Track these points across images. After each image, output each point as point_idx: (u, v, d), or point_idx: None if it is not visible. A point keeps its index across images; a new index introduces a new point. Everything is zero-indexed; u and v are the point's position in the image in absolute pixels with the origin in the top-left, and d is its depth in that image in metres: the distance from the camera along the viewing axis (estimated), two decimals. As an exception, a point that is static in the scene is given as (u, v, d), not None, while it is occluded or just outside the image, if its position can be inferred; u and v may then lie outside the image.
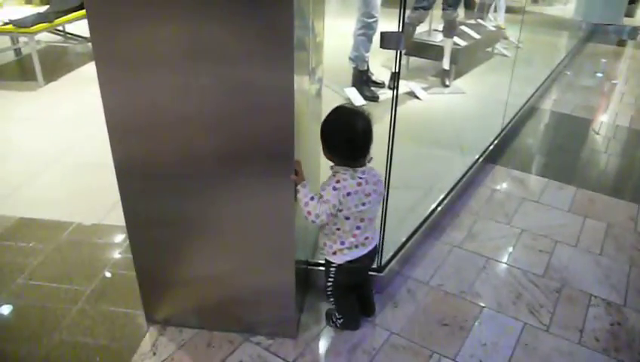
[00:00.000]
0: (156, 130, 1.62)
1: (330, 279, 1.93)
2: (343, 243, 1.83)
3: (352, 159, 1.74)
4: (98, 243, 2.50)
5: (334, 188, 1.71)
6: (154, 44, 1.49)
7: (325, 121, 1.75)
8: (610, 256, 2.56)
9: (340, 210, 1.74)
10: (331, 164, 1.78)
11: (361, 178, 1.74)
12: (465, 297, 2.24)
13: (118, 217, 1.80)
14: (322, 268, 2.01)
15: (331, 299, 1.99)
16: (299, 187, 1.69)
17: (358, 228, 1.81)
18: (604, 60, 6.40)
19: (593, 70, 5.97)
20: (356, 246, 1.84)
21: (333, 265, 1.88)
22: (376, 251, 1.95)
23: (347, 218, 1.77)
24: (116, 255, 2.42)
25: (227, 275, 1.88)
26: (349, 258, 1.85)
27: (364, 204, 1.76)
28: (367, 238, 1.85)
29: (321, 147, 1.79)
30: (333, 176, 1.76)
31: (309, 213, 1.70)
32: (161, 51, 1.50)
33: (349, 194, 1.72)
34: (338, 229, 1.80)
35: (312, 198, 1.70)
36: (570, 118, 4.42)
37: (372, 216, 1.84)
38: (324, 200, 1.71)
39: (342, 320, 2.01)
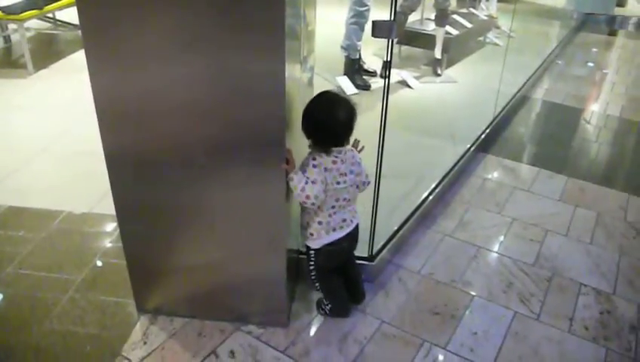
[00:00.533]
0: (146, 119, 1.60)
1: (310, 263, 1.94)
2: (320, 222, 1.83)
3: (328, 145, 1.75)
4: (88, 232, 2.48)
5: (314, 166, 1.73)
6: (144, 32, 1.48)
7: (308, 105, 1.75)
8: (601, 244, 2.58)
9: (326, 185, 1.75)
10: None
11: (336, 157, 1.76)
12: (456, 286, 2.25)
13: (108, 206, 1.78)
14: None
15: (316, 284, 2.00)
16: (292, 174, 1.68)
17: (332, 207, 1.81)
18: (595, 50, 6.41)
19: (584, 59, 5.98)
20: (334, 230, 1.85)
21: (312, 249, 1.90)
22: (357, 233, 1.95)
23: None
24: (107, 244, 2.40)
25: (218, 264, 1.88)
26: (325, 241, 1.86)
27: (338, 183, 1.77)
28: (344, 220, 1.86)
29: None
30: (309, 156, 1.76)
31: (307, 196, 1.70)
32: (151, 39, 1.48)
33: (325, 169, 1.74)
34: (317, 207, 1.80)
35: (306, 182, 1.71)
36: (562, 107, 4.43)
37: (348, 197, 1.83)
38: (312, 180, 1.71)
39: (330, 306, 2.01)
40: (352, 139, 1.84)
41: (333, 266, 1.98)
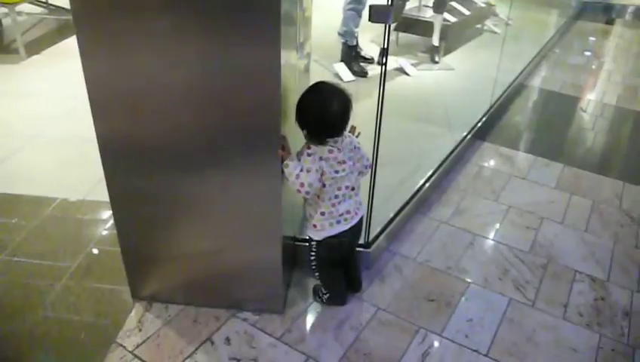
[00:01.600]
0: (140, 105, 1.58)
1: (312, 254, 1.93)
2: (323, 213, 1.81)
3: (322, 137, 1.72)
4: (83, 220, 2.46)
5: (309, 155, 1.71)
6: (136, 18, 1.45)
7: (301, 97, 1.71)
8: (596, 232, 2.58)
9: (322, 174, 1.73)
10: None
11: (332, 146, 1.73)
12: (451, 273, 2.25)
13: (103, 193, 1.76)
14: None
15: (316, 274, 1.99)
16: (287, 161, 1.66)
17: (336, 196, 1.79)
18: (592, 38, 6.39)
19: (582, 48, 5.96)
20: (337, 222, 1.83)
21: (314, 240, 1.88)
22: (360, 227, 1.94)
23: (324, 185, 1.75)
24: (101, 231, 2.39)
25: (213, 251, 1.87)
26: (328, 234, 1.84)
27: (337, 172, 1.75)
28: (348, 212, 1.84)
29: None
30: (304, 145, 1.74)
31: (301, 184, 1.68)
32: (144, 25, 1.46)
33: (321, 158, 1.71)
34: (318, 197, 1.79)
35: (301, 170, 1.68)
36: (559, 95, 4.42)
37: (350, 185, 1.81)
38: (307, 168, 1.69)
39: (328, 295, 2.01)
40: (348, 126, 1.82)
41: (335, 258, 1.97)
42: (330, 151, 1.73)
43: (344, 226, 1.85)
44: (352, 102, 1.73)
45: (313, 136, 1.73)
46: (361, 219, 1.91)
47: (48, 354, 1.81)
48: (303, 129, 1.74)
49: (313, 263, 1.95)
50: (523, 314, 2.06)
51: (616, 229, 2.62)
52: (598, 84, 4.84)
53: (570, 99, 4.35)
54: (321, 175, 1.73)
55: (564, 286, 2.23)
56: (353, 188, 1.83)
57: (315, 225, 1.84)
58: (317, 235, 1.86)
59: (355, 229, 1.90)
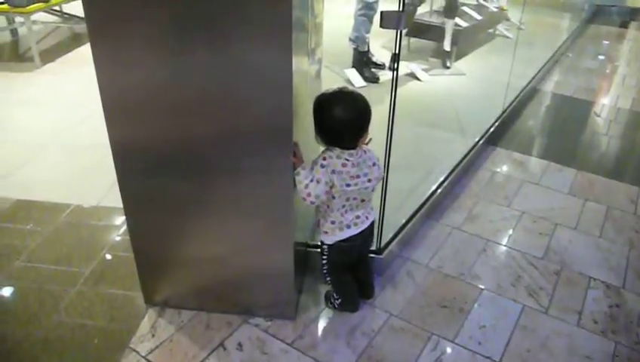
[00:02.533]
0: (153, 111, 1.60)
1: (323, 258, 1.93)
2: (333, 222, 1.82)
3: (340, 144, 1.72)
4: (97, 225, 2.49)
5: (322, 166, 1.71)
6: (149, 25, 1.47)
7: (319, 103, 1.71)
8: (610, 238, 2.55)
9: (332, 187, 1.73)
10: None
11: (347, 160, 1.72)
12: (464, 279, 2.24)
13: (116, 199, 1.78)
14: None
15: (328, 279, 1.99)
16: (299, 169, 1.67)
17: (343, 206, 1.79)
18: (606, 42, 6.34)
19: (595, 52, 5.91)
20: (348, 227, 1.83)
21: (325, 244, 1.89)
22: (371, 231, 1.94)
23: (333, 197, 1.75)
24: (115, 237, 2.41)
25: (226, 257, 1.88)
26: (339, 238, 1.85)
27: (348, 185, 1.73)
28: (358, 217, 1.84)
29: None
30: (321, 155, 1.74)
31: (308, 194, 1.69)
32: (156, 31, 1.47)
33: (333, 172, 1.71)
34: (328, 207, 1.80)
35: (311, 180, 1.69)
36: (572, 100, 4.39)
37: (359, 198, 1.80)
38: (317, 178, 1.69)
39: (340, 300, 2.00)
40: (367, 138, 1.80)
41: (346, 262, 1.97)
42: (344, 165, 1.72)
43: (354, 230, 1.85)
44: (367, 110, 1.71)
45: (326, 145, 1.74)
46: (372, 224, 1.91)
47: (62, 359, 1.83)
48: (318, 134, 1.74)
49: (325, 267, 1.95)
50: (536, 321, 2.04)
51: (631, 235, 2.59)
52: (611, 88, 4.79)
53: (583, 104, 4.32)
54: (331, 187, 1.73)
55: (579, 292, 2.20)
56: (363, 200, 1.83)
57: (326, 231, 1.86)
58: (328, 239, 1.87)
59: (366, 233, 1.90)
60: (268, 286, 1.93)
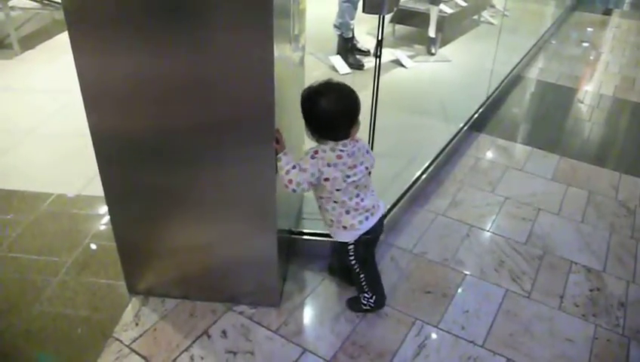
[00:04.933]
0: (133, 99, 1.58)
1: (351, 258, 1.87)
2: (348, 212, 1.76)
3: (334, 137, 1.69)
4: (78, 215, 2.46)
5: (312, 157, 1.68)
6: (129, 10, 1.44)
7: (309, 97, 1.67)
8: (592, 223, 2.59)
9: (327, 179, 1.69)
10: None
11: (342, 150, 1.68)
12: (448, 265, 2.26)
13: (99, 188, 1.76)
14: (308, 238, 2.01)
15: (361, 277, 1.91)
16: (280, 155, 1.65)
17: (357, 195, 1.76)
18: (590, 29, 6.37)
19: (579, 39, 5.95)
20: (366, 218, 1.79)
21: (350, 243, 1.84)
22: (384, 217, 1.92)
23: (338, 189, 1.71)
24: (98, 226, 2.39)
25: (209, 245, 1.87)
26: (362, 232, 1.80)
27: (348, 176, 1.71)
28: (373, 207, 1.81)
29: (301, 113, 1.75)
30: (313, 147, 1.71)
31: (290, 181, 1.67)
32: (136, 18, 1.45)
33: (329, 165, 1.68)
34: (336, 202, 1.75)
35: (293, 167, 1.67)
36: (555, 86, 4.42)
37: (365, 184, 1.78)
38: (303, 168, 1.67)
39: (374, 297, 1.95)
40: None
41: (372, 254, 1.94)
42: (339, 157, 1.68)
43: (373, 220, 1.81)
44: (356, 100, 1.68)
45: (316, 137, 1.70)
46: (383, 211, 1.88)
47: (45, 349, 1.81)
48: (309, 128, 1.70)
49: (356, 267, 1.89)
50: (519, 306, 2.07)
51: (612, 220, 2.62)
52: (595, 75, 4.83)
53: (567, 91, 4.35)
54: (325, 180, 1.69)
55: (560, 277, 2.23)
56: (366, 186, 1.79)
57: (345, 227, 1.79)
58: (351, 236, 1.81)
59: (382, 220, 1.88)
60: (252, 273, 1.93)
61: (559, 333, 1.96)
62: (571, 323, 2.00)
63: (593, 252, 2.38)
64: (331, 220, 1.80)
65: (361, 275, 1.91)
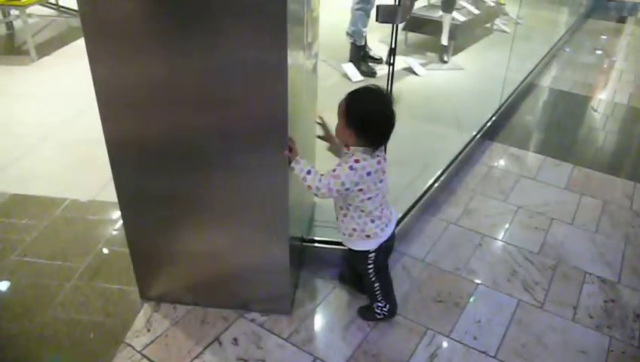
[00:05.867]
0: (147, 106, 1.59)
1: (370, 266, 1.86)
2: (373, 221, 1.75)
3: (379, 143, 1.66)
4: (92, 220, 2.48)
5: (351, 168, 1.61)
6: (144, 18, 1.46)
7: (358, 103, 1.63)
8: (606, 233, 2.56)
9: (361, 190, 1.66)
10: (346, 145, 1.69)
11: (378, 156, 1.67)
12: (460, 274, 2.24)
13: (112, 193, 1.77)
14: (320, 246, 2.00)
15: (376, 286, 1.90)
16: (292, 164, 1.64)
17: (381, 204, 1.75)
18: (604, 37, 6.33)
19: (593, 47, 5.91)
20: (386, 226, 1.79)
21: (372, 251, 1.82)
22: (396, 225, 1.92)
23: (369, 198, 1.69)
24: (111, 231, 2.41)
25: (221, 252, 1.87)
26: (383, 239, 1.80)
27: (381, 181, 1.70)
28: (391, 213, 1.82)
29: (316, 124, 1.76)
30: (352, 155, 1.64)
31: (309, 187, 1.65)
32: (151, 25, 1.47)
33: (369, 173, 1.63)
34: (363, 211, 1.73)
35: (308, 172, 1.64)
36: (569, 95, 4.39)
37: (386, 191, 1.78)
38: (335, 174, 1.62)
39: (388, 306, 1.95)
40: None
41: (385, 263, 1.93)
42: (379, 163, 1.66)
43: (392, 227, 1.83)
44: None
45: (367, 145, 1.64)
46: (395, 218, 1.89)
47: (57, 354, 1.83)
48: (354, 139, 1.64)
49: (372, 276, 1.89)
50: (532, 316, 2.05)
51: (627, 230, 2.59)
52: (609, 83, 4.79)
53: (580, 99, 4.32)
54: (359, 190, 1.66)
55: (574, 287, 2.21)
56: (385, 195, 1.78)
57: (368, 236, 1.78)
58: (374, 244, 1.81)
59: (395, 227, 1.88)
60: (264, 281, 1.93)
61: (573, 345, 1.93)
62: (585, 335, 1.98)
63: (607, 262, 2.36)
64: (354, 229, 1.78)
65: (376, 284, 1.91)
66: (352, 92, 1.65)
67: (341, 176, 1.62)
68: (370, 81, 3.98)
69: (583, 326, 2.02)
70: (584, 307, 2.11)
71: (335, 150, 1.85)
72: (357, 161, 1.62)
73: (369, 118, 1.63)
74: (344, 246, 1.91)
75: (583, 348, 1.92)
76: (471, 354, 1.88)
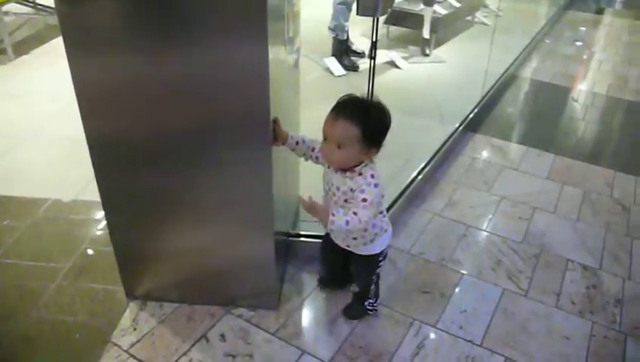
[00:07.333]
0: (127, 104, 1.57)
1: (381, 263, 1.83)
2: (386, 230, 1.75)
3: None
4: (75, 220, 2.45)
5: (376, 186, 1.57)
6: (122, 15, 1.44)
7: (379, 124, 1.62)
8: (587, 221, 2.60)
9: (383, 196, 1.65)
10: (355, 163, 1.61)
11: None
12: (445, 265, 2.26)
13: (95, 192, 1.75)
14: (306, 240, 2.01)
15: (373, 285, 1.90)
16: (331, 218, 1.51)
17: (381, 212, 1.73)
18: (583, 28, 6.41)
19: (572, 38, 5.98)
20: (388, 225, 1.78)
21: (382, 255, 1.80)
22: None
23: (383, 196, 1.66)
24: (94, 231, 2.38)
25: (206, 248, 1.87)
26: (388, 241, 1.79)
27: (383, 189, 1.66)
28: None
29: (297, 116, 1.75)
30: (366, 174, 1.58)
31: (358, 229, 1.59)
32: (130, 22, 1.45)
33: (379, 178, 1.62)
34: (381, 212, 1.71)
35: (346, 223, 1.51)
36: (549, 85, 4.44)
37: None
38: (369, 202, 1.54)
39: (377, 299, 1.96)
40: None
41: None
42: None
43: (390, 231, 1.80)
44: None
45: (376, 152, 1.63)
46: None
47: (44, 355, 1.81)
48: (369, 156, 1.60)
49: (374, 277, 1.89)
50: (516, 304, 2.08)
51: (607, 218, 2.63)
52: (588, 73, 4.86)
53: (561, 90, 4.37)
54: (382, 196, 1.64)
55: (557, 275, 2.24)
56: None
57: (386, 230, 1.76)
58: (385, 245, 1.79)
59: None
60: (250, 276, 1.93)
61: (556, 331, 1.97)
62: (568, 321, 2.01)
63: (589, 250, 2.40)
64: (376, 233, 1.72)
65: (374, 283, 1.90)
66: (363, 117, 1.56)
67: (373, 201, 1.56)
68: (353, 76, 4.03)
69: (565, 313, 2.05)
70: (567, 294, 2.14)
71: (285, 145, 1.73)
72: (373, 176, 1.59)
73: (387, 130, 1.64)
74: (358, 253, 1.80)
75: (567, 333, 1.96)
76: (457, 343, 1.90)
